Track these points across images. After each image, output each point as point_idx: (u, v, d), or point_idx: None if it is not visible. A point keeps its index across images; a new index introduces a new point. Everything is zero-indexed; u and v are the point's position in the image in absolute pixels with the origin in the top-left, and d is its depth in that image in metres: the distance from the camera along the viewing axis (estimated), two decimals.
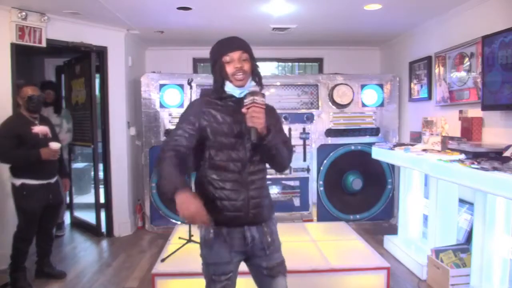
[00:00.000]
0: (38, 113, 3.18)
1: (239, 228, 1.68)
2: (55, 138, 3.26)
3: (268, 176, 1.81)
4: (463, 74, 3.56)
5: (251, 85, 1.67)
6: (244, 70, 1.64)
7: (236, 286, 1.78)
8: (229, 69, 1.65)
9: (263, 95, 1.60)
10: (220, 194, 1.65)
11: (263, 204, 1.71)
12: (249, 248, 1.70)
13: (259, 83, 1.71)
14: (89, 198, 5.19)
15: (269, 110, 1.72)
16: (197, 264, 3.08)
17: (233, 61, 1.65)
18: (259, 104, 1.56)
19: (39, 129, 3.11)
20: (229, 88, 1.67)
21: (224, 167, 1.65)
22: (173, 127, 4.57)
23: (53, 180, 3.22)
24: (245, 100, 1.58)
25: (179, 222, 4.51)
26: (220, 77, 1.67)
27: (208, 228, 1.67)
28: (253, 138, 1.58)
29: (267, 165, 1.76)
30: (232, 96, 1.68)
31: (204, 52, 6.51)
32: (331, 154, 4.75)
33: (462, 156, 2.90)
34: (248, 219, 1.67)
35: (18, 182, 3.05)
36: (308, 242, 3.63)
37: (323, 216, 4.76)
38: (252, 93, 1.58)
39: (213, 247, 1.68)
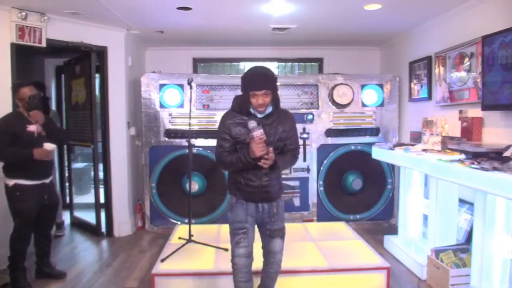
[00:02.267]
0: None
1: (254, 203, 2.34)
2: (54, 132, 3.23)
3: None
4: (463, 74, 3.56)
5: (269, 110, 2.27)
6: (265, 104, 2.21)
7: None
8: (253, 101, 2.20)
9: (260, 128, 2.16)
10: (241, 179, 2.31)
11: (272, 190, 2.34)
12: (259, 215, 2.36)
13: (276, 105, 2.30)
14: (89, 198, 5.19)
15: (286, 116, 2.37)
16: (197, 264, 3.10)
17: (257, 96, 2.18)
18: (256, 139, 2.13)
19: (34, 128, 3.08)
20: (253, 110, 2.25)
21: None
22: (173, 127, 4.63)
23: (47, 181, 3.20)
24: (249, 135, 2.18)
25: (179, 222, 4.52)
26: (246, 103, 2.23)
27: (232, 197, 2.38)
28: (265, 170, 2.25)
29: None
30: (255, 115, 2.26)
31: (204, 52, 6.54)
32: (331, 154, 4.75)
33: (462, 156, 2.90)
34: (259, 199, 2.33)
35: (11, 182, 3.02)
36: (308, 242, 3.63)
37: (323, 216, 4.76)
38: (251, 130, 2.15)
39: (233, 210, 2.37)
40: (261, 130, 2.15)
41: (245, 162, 2.19)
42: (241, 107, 2.27)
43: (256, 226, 2.44)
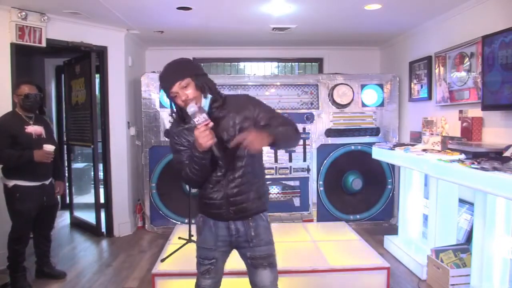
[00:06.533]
0: (33, 112, 3.11)
1: (225, 222, 1.84)
2: (51, 138, 3.21)
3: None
4: (463, 74, 3.56)
5: (206, 102, 1.76)
6: (190, 98, 1.70)
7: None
8: (179, 101, 1.72)
9: (202, 111, 1.66)
10: (204, 193, 1.83)
11: (245, 200, 1.80)
12: (234, 239, 1.86)
13: (212, 91, 1.79)
14: (89, 198, 5.19)
15: (238, 100, 1.85)
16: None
17: (177, 93, 1.71)
18: (199, 125, 1.63)
19: (33, 129, 3.04)
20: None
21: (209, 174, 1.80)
22: None
23: (47, 182, 3.17)
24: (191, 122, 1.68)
25: (179, 222, 4.52)
26: (178, 107, 1.77)
27: (198, 217, 1.91)
28: (216, 154, 1.67)
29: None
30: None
31: (204, 52, 6.52)
32: (331, 154, 4.75)
33: (462, 156, 2.90)
34: (229, 215, 1.82)
35: (11, 183, 2.99)
36: (308, 242, 3.64)
37: (323, 216, 4.76)
38: (192, 115, 1.65)
39: (201, 233, 1.90)
40: (204, 115, 1.64)
41: (197, 160, 1.70)
42: (177, 115, 1.82)
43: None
